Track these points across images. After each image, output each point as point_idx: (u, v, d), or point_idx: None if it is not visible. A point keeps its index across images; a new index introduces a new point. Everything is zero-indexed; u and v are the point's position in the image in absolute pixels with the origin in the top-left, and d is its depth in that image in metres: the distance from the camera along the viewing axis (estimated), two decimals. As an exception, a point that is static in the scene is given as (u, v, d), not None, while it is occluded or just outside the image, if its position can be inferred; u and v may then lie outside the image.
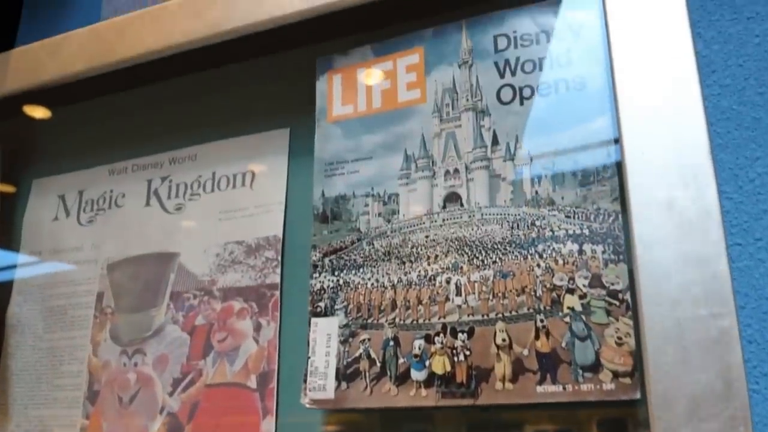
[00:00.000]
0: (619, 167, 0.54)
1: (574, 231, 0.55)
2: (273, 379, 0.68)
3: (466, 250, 0.59)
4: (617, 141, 0.55)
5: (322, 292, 0.63)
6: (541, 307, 0.55)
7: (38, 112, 0.92)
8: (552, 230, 0.56)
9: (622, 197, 0.54)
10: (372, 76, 0.68)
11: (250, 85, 0.80)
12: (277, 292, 0.71)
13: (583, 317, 0.53)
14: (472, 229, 0.59)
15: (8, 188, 0.90)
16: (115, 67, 0.80)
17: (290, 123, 0.76)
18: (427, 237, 0.61)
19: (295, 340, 0.69)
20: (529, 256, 0.56)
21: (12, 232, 0.90)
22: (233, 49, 0.76)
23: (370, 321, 0.61)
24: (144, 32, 0.78)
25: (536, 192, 0.58)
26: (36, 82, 0.84)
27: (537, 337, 0.54)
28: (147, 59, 0.78)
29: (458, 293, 0.58)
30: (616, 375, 0.51)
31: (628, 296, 0.52)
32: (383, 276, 0.61)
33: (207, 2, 0.74)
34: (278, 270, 0.72)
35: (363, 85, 0.68)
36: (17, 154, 0.93)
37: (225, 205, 0.77)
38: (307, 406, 0.61)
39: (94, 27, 0.81)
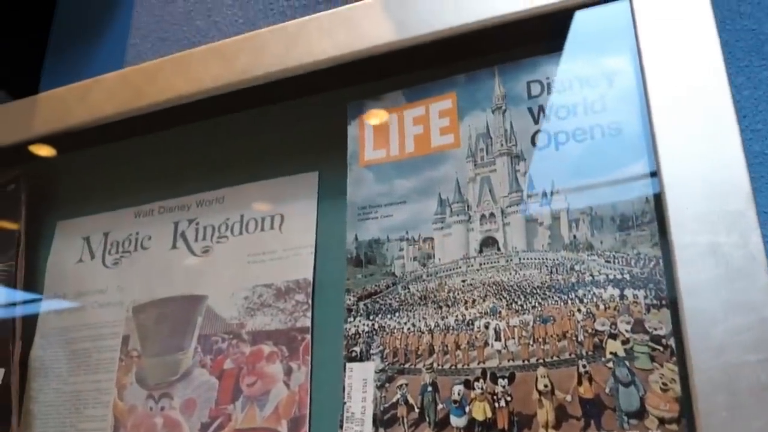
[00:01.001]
0: (660, 212, 0.54)
1: (614, 276, 0.55)
2: (305, 424, 0.68)
3: (505, 295, 0.59)
4: (656, 186, 0.55)
5: (357, 336, 0.63)
6: (584, 353, 0.55)
7: (62, 155, 0.93)
8: (592, 275, 0.56)
9: (663, 242, 0.54)
10: (404, 121, 0.68)
11: (278, 129, 0.81)
12: (308, 336, 0.71)
13: (627, 363, 0.53)
14: (510, 274, 0.59)
15: (32, 230, 0.90)
16: (144, 111, 0.81)
17: (319, 166, 0.77)
18: (464, 281, 0.61)
19: (327, 384, 0.68)
20: (569, 301, 0.56)
21: (35, 275, 0.90)
22: (262, 93, 0.77)
23: (407, 366, 0.60)
24: (173, 77, 0.78)
25: (574, 236, 0.58)
26: (63, 125, 0.85)
27: (580, 382, 0.54)
28: (176, 104, 0.79)
29: (497, 338, 0.58)
30: (662, 422, 0.51)
31: (672, 342, 0.52)
32: (420, 320, 0.61)
33: (236, 48, 0.75)
34: (309, 313, 0.71)
35: (395, 130, 0.68)
36: (41, 196, 0.93)
37: (253, 248, 0.77)
38: (344, 453, 0.60)
39: (122, 72, 0.82)
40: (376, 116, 0.70)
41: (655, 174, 0.55)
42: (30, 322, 0.87)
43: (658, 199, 0.55)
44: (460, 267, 0.62)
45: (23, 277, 0.87)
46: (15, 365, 0.82)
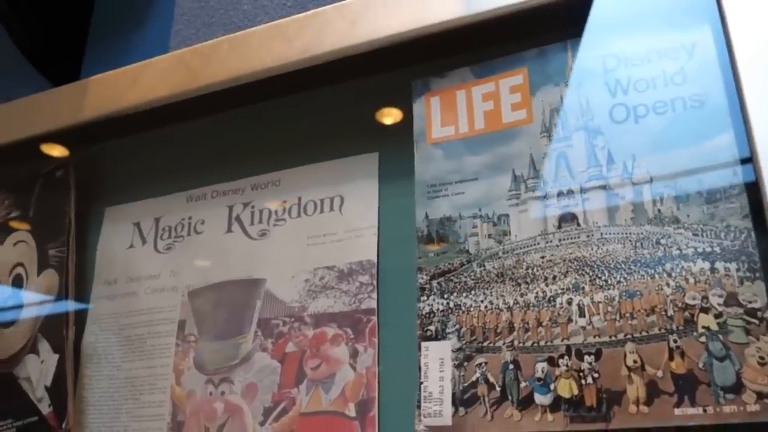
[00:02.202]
0: (752, 183, 0.53)
1: (703, 249, 0.54)
2: (374, 406, 0.67)
3: (587, 270, 0.58)
4: (746, 158, 0.54)
5: (432, 315, 0.62)
6: (674, 327, 0.53)
7: (111, 140, 0.92)
8: (679, 248, 0.55)
9: (756, 214, 0.53)
10: (473, 97, 0.67)
11: (335, 110, 0.80)
12: (374, 318, 0.69)
13: (720, 337, 0.52)
14: (592, 249, 0.58)
15: (81, 216, 0.89)
16: (198, 93, 0.80)
17: (378, 147, 0.76)
18: (543, 258, 0.60)
19: (395, 366, 0.67)
20: (656, 275, 0.55)
21: (85, 261, 0.89)
22: (321, 73, 0.76)
23: (486, 344, 0.59)
24: (229, 58, 0.77)
25: (659, 210, 0.57)
26: (115, 109, 0.84)
27: (671, 358, 0.53)
28: (231, 85, 0.78)
29: (581, 314, 0.57)
30: (760, 396, 0.49)
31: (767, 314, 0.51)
32: (497, 298, 0.60)
33: (298, 26, 0.74)
34: (374, 295, 0.70)
35: (464, 107, 0.67)
36: (90, 181, 0.92)
37: (313, 231, 0.76)
38: (423, 432, 0.59)
39: (176, 53, 0.81)
40: (443, 93, 0.69)
41: (743, 145, 0.54)
42: (81, 308, 0.86)
43: (750, 170, 0.53)
44: (538, 243, 0.61)
45: (74, 263, 0.86)
46: (69, 351, 0.81)
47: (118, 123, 0.87)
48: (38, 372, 0.81)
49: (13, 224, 0.92)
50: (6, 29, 1.02)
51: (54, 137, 0.89)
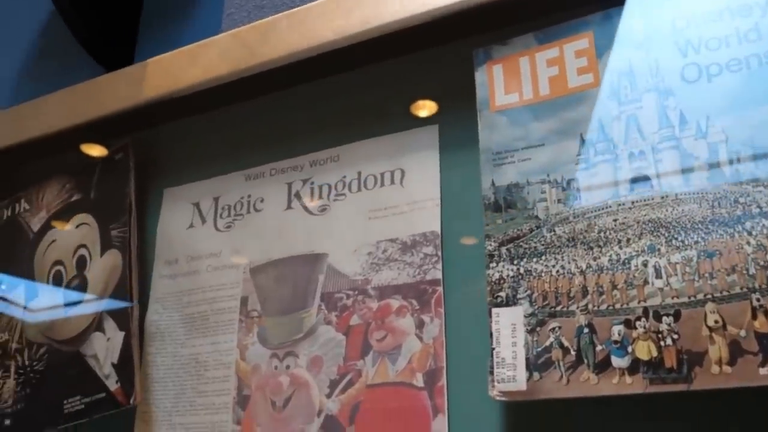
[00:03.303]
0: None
1: (785, 206, 0.53)
2: (442, 376, 0.67)
3: (663, 232, 0.57)
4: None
5: (502, 281, 0.62)
6: (756, 286, 0.52)
7: (169, 122, 0.93)
8: (759, 207, 0.54)
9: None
10: (537, 63, 0.67)
11: (393, 83, 0.79)
12: (440, 288, 0.69)
13: (806, 294, 0.50)
14: (667, 210, 0.57)
15: (140, 198, 0.90)
16: (256, 71, 0.80)
17: (437, 118, 0.75)
18: (615, 221, 0.59)
19: (462, 335, 0.67)
20: (736, 234, 0.54)
21: (145, 242, 0.90)
22: (377, 47, 0.76)
23: (558, 309, 0.59)
24: (288, 34, 0.78)
25: (736, 170, 0.56)
26: (174, 89, 0.85)
27: (754, 317, 0.52)
28: (289, 61, 0.78)
29: (658, 276, 0.56)
30: None
31: None
32: (569, 262, 0.59)
33: (356, 0, 0.74)
34: (439, 265, 0.70)
35: (527, 73, 0.67)
36: (148, 164, 0.93)
37: (374, 204, 0.76)
38: (497, 398, 0.58)
39: (235, 32, 0.82)
40: (505, 61, 0.68)
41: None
42: (144, 287, 0.87)
43: (834, 124, 0.52)
44: (609, 206, 0.60)
45: (136, 242, 0.87)
46: (134, 329, 0.82)
47: (175, 104, 0.87)
48: (105, 350, 0.83)
49: (75, 207, 0.93)
50: (62, 17, 1.04)
51: (113, 120, 0.90)
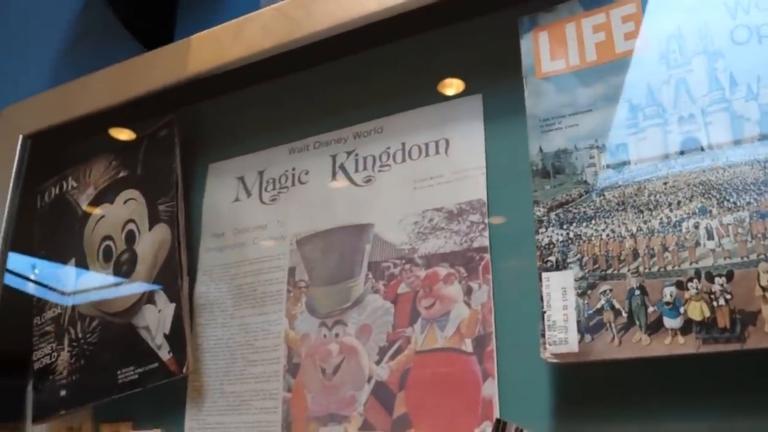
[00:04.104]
0: None
1: (839, 165, 0.53)
2: (491, 341, 0.67)
3: (714, 194, 0.57)
4: None
5: (551, 246, 0.62)
6: (811, 245, 0.52)
7: (212, 98, 0.94)
8: (813, 166, 0.54)
9: None
10: (583, 29, 0.67)
11: (436, 53, 0.80)
12: (487, 255, 0.70)
13: None
14: (718, 173, 0.57)
15: (186, 173, 0.92)
16: (300, 44, 0.81)
17: (481, 87, 0.76)
18: (665, 184, 0.59)
19: (510, 301, 0.68)
20: (789, 194, 0.54)
21: (191, 216, 0.91)
22: (420, 17, 0.76)
23: (609, 272, 0.59)
24: (332, 6, 0.78)
25: (789, 130, 0.56)
26: (217, 65, 0.86)
27: (809, 275, 0.52)
28: (333, 33, 0.79)
29: (710, 237, 0.56)
30: None
31: None
32: (619, 226, 0.60)
33: (399, -29, 0.74)
34: (486, 233, 0.71)
35: (573, 40, 0.67)
36: (191, 139, 0.94)
37: (419, 174, 0.77)
38: (549, 360, 0.59)
39: (278, 5, 0.83)
40: (551, 28, 0.68)
41: None
42: (192, 260, 0.89)
43: None
44: (659, 170, 0.60)
45: (184, 216, 0.88)
46: (184, 300, 0.84)
47: (219, 80, 0.89)
48: (156, 321, 0.85)
49: (122, 183, 0.95)
50: (103, -1, 1.06)
51: (158, 97, 0.91)
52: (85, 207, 0.98)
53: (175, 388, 0.85)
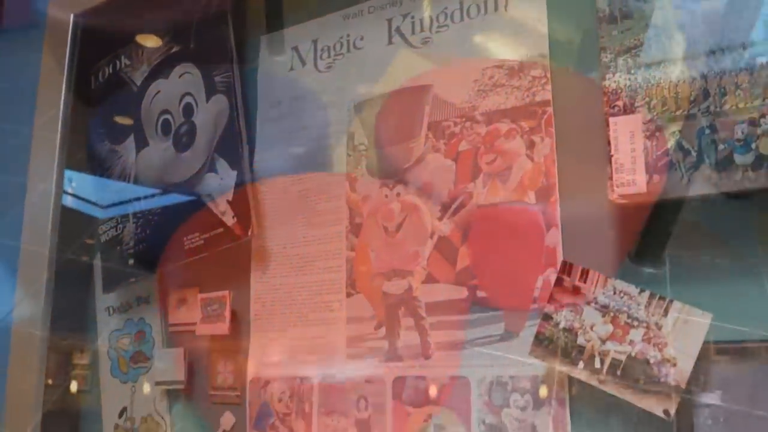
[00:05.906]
0: None
1: None
2: (554, 192, 0.68)
3: (789, 29, 0.56)
4: None
5: (619, 91, 0.62)
6: None
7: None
8: None
9: None
10: None
11: None
12: (550, 108, 0.70)
13: None
14: (794, 7, 0.56)
15: (239, 46, 0.92)
16: None
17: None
18: (737, 24, 0.58)
19: (573, 151, 0.69)
20: None
21: (246, 88, 0.92)
22: None
23: (678, 113, 0.59)
24: None
25: None
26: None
27: None
28: None
29: (784, 72, 0.56)
30: None
31: None
32: (690, 67, 0.59)
33: None
34: (548, 87, 0.71)
35: None
36: (243, 13, 0.94)
37: (477, 32, 0.76)
38: (617, 201, 0.60)
39: None
40: None
41: None
42: (250, 130, 0.90)
43: None
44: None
45: (240, 85, 0.89)
46: (245, 167, 0.86)
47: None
48: (219, 188, 0.87)
49: (176, 58, 0.95)
50: None
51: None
52: (140, 84, 0.99)
53: (239, 254, 0.88)
